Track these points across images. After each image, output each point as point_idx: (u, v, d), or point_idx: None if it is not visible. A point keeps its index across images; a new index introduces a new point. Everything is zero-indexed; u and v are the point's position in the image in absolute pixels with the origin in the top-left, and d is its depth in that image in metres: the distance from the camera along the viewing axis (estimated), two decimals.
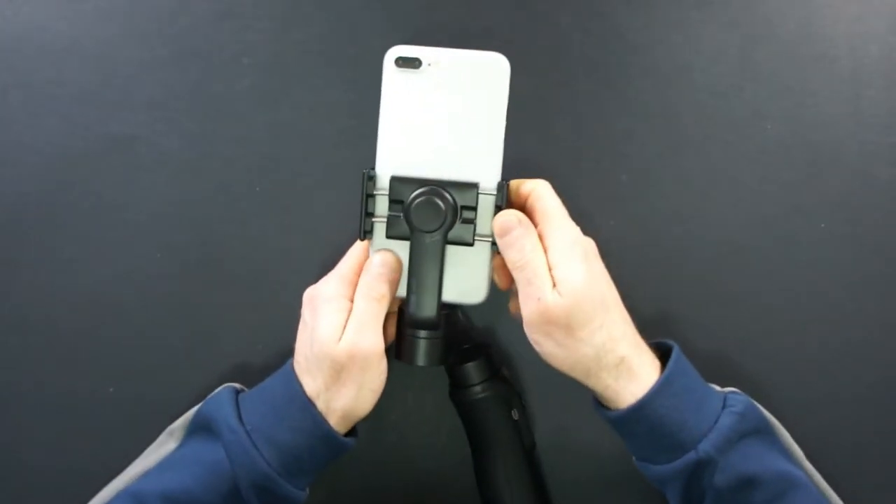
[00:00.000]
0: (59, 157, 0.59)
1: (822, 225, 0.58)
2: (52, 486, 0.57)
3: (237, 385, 0.51)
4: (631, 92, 0.59)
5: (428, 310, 0.47)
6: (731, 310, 0.58)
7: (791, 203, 0.58)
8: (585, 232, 0.47)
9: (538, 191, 0.47)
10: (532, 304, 0.43)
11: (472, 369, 0.52)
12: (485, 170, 0.47)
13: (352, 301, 0.46)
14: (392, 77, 0.47)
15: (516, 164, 0.59)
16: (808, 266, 0.58)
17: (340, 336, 0.44)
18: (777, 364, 0.57)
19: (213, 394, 0.49)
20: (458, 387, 0.53)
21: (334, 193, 0.58)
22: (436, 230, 0.46)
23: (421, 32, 0.60)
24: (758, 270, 0.58)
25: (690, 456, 0.43)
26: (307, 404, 0.45)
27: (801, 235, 0.58)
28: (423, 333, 0.48)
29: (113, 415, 0.58)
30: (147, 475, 0.47)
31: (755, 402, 0.47)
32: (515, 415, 0.53)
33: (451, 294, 0.48)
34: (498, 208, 0.46)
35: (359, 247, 0.48)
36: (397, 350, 0.50)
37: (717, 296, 0.58)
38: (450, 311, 0.51)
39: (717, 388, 0.49)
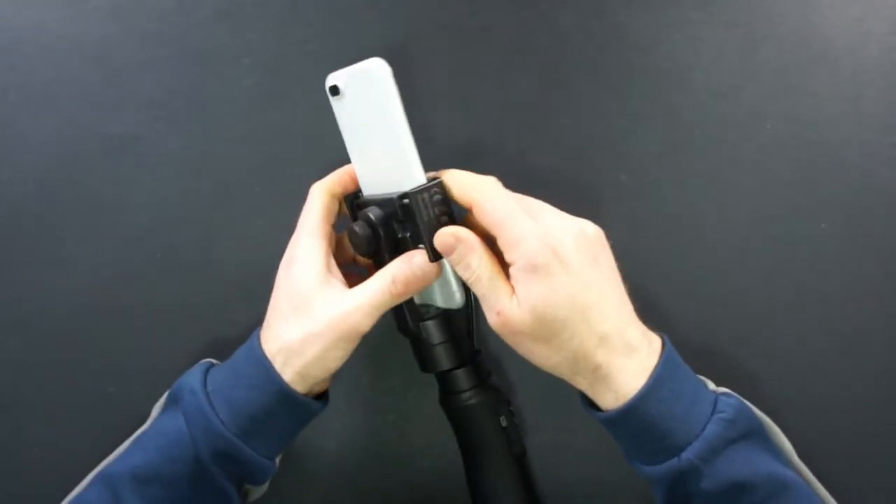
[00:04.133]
0: (60, 157, 0.59)
1: (822, 225, 0.58)
2: (52, 486, 0.57)
3: (214, 360, 0.51)
4: (631, 92, 0.59)
5: (400, 322, 0.50)
6: (730, 310, 0.58)
7: (791, 203, 0.58)
8: None
9: (479, 202, 0.42)
10: (493, 316, 0.42)
11: (461, 376, 0.52)
12: (409, 177, 0.45)
13: (326, 248, 0.47)
14: (334, 106, 0.49)
15: (517, 163, 0.59)
16: (808, 266, 0.58)
17: (311, 280, 0.45)
18: (777, 364, 0.57)
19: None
20: (446, 393, 0.53)
21: None
22: (370, 253, 0.47)
23: (421, 32, 0.60)
24: (758, 270, 0.58)
25: (673, 462, 0.42)
26: (262, 359, 0.44)
27: (801, 235, 0.58)
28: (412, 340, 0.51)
29: (113, 415, 0.58)
30: (119, 456, 0.47)
31: (747, 404, 0.46)
32: (504, 421, 0.52)
33: (438, 300, 0.49)
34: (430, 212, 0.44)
35: (317, 194, 0.49)
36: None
37: (717, 296, 0.58)
38: (441, 315, 0.51)
39: (711, 385, 0.48)
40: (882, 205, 0.58)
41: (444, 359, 0.51)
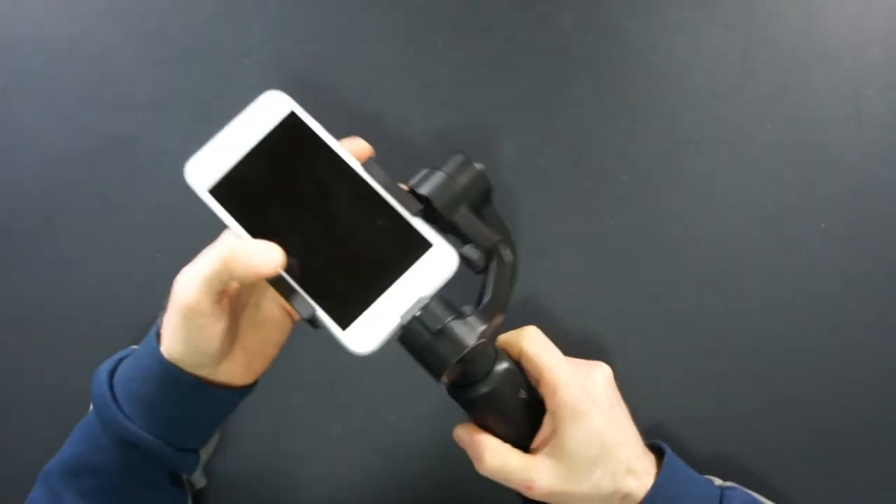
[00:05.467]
0: (59, 157, 0.59)
1: (822, 225, 0.58)
2: None
3: (136, 346, 0.48)
4: (631, 92, 0.59)
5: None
6: (730, 309, 0.58)
7: (791, 203, 0.58)
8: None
9: (528, 350, 0.45)
10: (526, 491, 0.44)
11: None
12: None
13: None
14: None
15: (517, 163, 0.59)
16: (808, 266, 0.58)
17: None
18: (777, 363, 0.57)
19: None
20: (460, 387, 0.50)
21: None
22: None
23: (421, 32, 0.60)
24: (758, 270, 0.58)
25: None
26: (155, 349, 0.42)
27: (801, 235, 0.58)
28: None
29: None
30: (59, 451, 0.46)
31: (752, 495, 0.47)
32: (523, 393, 0.50)
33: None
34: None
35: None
36: None
37: (718, 296, 0.58)
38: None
39: (718, 481, 0.49)
40: (882, 205, 0.58)
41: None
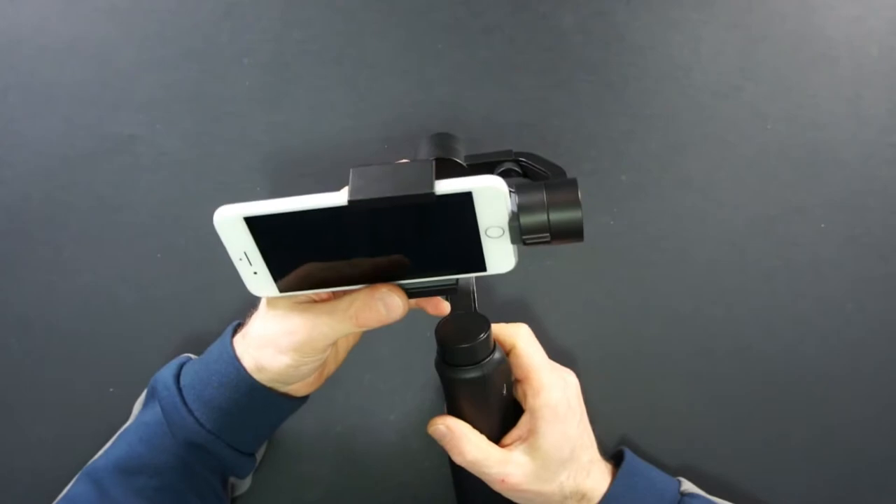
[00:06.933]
0: (59, 157, 0.59)
1: (822, 225, 0.58)
2: (52, 485, 0.57)
3: (192, 355, 0.51)
4: (631, 92, 0.59)
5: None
6: (730, 309, 0.58)
7: (791, 203, 0.58)
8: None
9: (521, 348, 0.47)
10: (498, 484, 0.46)
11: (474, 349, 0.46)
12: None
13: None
14: None
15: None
16: (808, 266, 0.58)
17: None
18: (776, 363, 0.57)
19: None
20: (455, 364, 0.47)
21: None
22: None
23: (421, 32, 0.60)
24: (758, 270, 0.58)
25: None
26: (232, 357, 0.44)
27: (801, 235, 0.58)
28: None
29: (113, 415, 0.58)
30: (103, 452, 0.47)
31: (713, 500, 0.49)
32: (505, 389, 0.50)
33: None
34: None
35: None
36: None
37: (718, 296, 0.58)
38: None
39: (687, 485, 0.50)
40: (882, 205, 0.58)
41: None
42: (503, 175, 0.48)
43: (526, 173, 0.48)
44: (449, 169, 0.46)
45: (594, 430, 0.49)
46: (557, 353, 0.58)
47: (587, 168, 0.59)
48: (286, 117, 0.59)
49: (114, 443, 0.47)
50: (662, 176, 0.59)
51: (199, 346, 0.59)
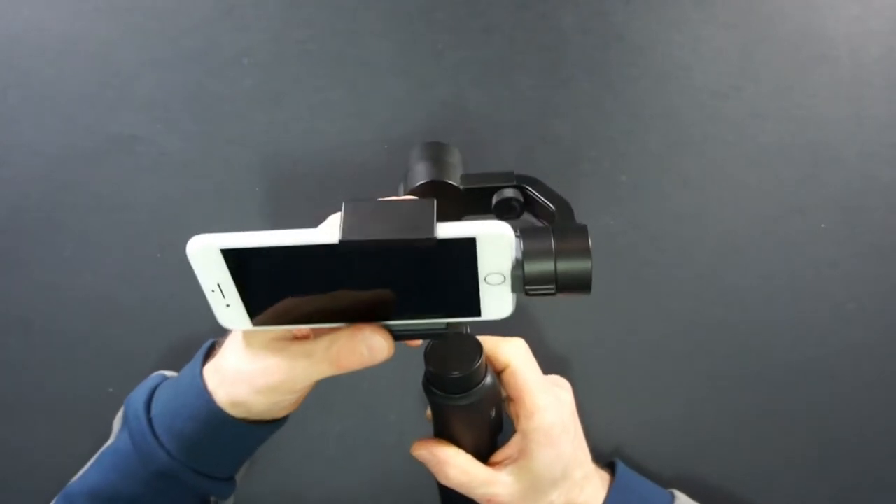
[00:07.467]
0: (59, 157, 0.59)
1: (822, 225, 0.58)
2: (52, 485, 0.57)
3: (168, 372, 0.50)
4: (631, 92, 0.59)
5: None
6: (730, 309, 0.58)
7: (791, 203, 0.58)
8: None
9: (515, 368, 0.46)
10: (485, 502, 0.45)
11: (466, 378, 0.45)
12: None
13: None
14: None
15: (517, 163, 0.59)
16: (808, 266, 0.58)
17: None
18: (776, 363, 0.57)
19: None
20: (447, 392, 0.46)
21: (335, 193, 0.58)
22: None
23: (421, 32, 0.60)
24: (758, 270, 0.58)
25: None
26: (202, 390, 0.43)
27: (801, 235, 0.58)
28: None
29: (113, 415, 0.58)
30: (81, 475, 0.47)
31: None
32: (493, 412, 0.50)
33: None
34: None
35: None
36: None
37: (718, 296, 0.58)
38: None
39: (683, 499, 0.50)
40: (882, 205, 0.58)
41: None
42: (503, 204, 0.46)
43: (527, 201, 0.46)
44: (445, 192, 0.45)
45: (590, 434, 0.49)
46: (554, 354, 0.58)
47: (587, 168, 0.59)
48: (286, 117, 0.59)
49: (91, 466, 0.47)
50: (662, 176, 0.59)
51: (198, 346, 0.59)
